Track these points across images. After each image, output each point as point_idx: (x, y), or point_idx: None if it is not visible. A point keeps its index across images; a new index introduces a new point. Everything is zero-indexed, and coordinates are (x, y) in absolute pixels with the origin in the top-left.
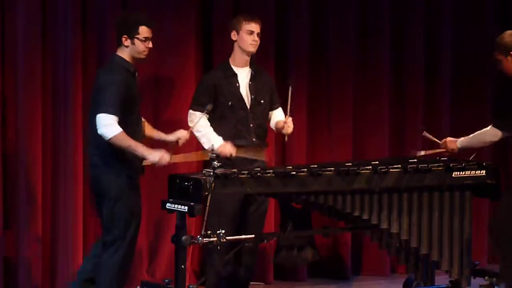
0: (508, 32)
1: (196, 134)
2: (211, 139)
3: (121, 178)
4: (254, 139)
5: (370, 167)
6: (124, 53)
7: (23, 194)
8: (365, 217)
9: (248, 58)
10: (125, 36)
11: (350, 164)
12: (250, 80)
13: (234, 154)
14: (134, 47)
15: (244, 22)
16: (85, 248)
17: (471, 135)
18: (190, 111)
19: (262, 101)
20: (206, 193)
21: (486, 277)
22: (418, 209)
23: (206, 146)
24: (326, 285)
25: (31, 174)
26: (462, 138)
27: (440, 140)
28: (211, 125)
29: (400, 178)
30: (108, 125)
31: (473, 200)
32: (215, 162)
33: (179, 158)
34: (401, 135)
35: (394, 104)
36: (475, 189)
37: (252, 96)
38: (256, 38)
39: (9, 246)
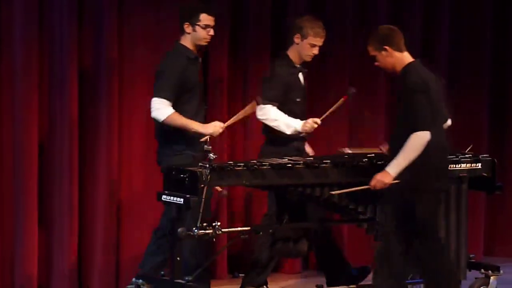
0: (383, 26)
1: (272, 124)
2: (290, 123)
3: (188, 159)
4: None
5: (367, 159)
6: (186, 40)
7: (19, 185)
8: (361, 209)
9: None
10: (187, 23)
11: (347, 156)
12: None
13: (319, 122)
14: (196, 34)
15: (311, 36)
16: (80, 234)
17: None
18: (261, 105)
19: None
20: (202, 185)
21: (482, 270)
22: None
23: (288, 132)
24: (321, 277)
25: (27, 165)
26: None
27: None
28: None
29: None
30: (159, 108)
31: (468, 193)
32: (211, 154)
33: (230, 121)
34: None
35: (391, 96)
36: (470, 182)
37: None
38: (316, 53)
39: (5, 238)
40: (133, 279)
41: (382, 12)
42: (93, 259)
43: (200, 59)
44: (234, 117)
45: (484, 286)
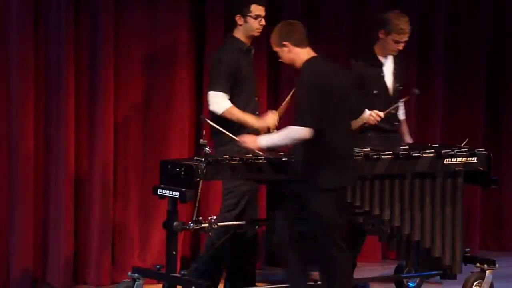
0: (283, 22)
1: None
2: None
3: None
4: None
5: (362, 154)
6: (239, 33)
7: (15, 183)
8: (357, 203)
9: None
10: (238, 15)
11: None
12: (395, 69)
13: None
14: (247, 25)
15: (395, 33)
16: (76, 228)
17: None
18: None
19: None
20: (198, 179)
21: (477, 264)
22: (409, 196)
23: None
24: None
25: (23, 160)
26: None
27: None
28: None
29: (391, 164)
30: (216, 102)
31: (464, 187)
32: (206, 148)
33: (281, 110)
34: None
35: None
36: (466, 176)
37: (397, 84)
38: (401, 48)
39: (1, 232)
40: (129, 273)
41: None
42: (89, 253)
43: (253, 50)
44: (283, 104)
45: (479, 280)
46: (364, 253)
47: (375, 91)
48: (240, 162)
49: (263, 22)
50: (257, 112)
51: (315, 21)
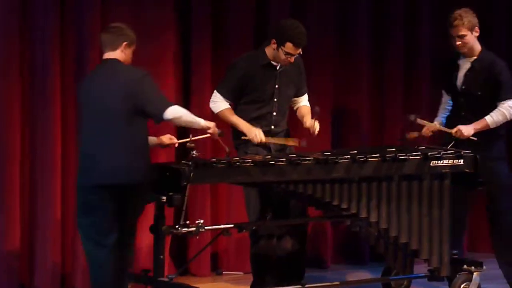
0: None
1: None
2: None
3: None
4: None
5: (349, 156)
6: (269, 50)
7: (1, 187)
8: (344, 206)
9: None
10: (274, 40)
11: (329, 153)
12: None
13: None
14: (277, 53)
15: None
16: (63, 232)
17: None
18: None
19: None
20: (185, 183)
21: (465, 266)
22: (397, 198)
23: None
24: (306, 274)
25: (9, 163)
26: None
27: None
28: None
29: (378, 167)
30: (215, 101)
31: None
32: (193, 152)
33: (272, 139)
34: (381, 122)
35: (373, 92)
36: (453, 178)
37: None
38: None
39: None
40: None
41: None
42: (76, 257)
43: (278, 68)
44: (275, 139)
45: (467, 282)
46: (351, 256)
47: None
48: (228, 165)
49: (291, 60)
50: (272, 127)
51: (301, 12)
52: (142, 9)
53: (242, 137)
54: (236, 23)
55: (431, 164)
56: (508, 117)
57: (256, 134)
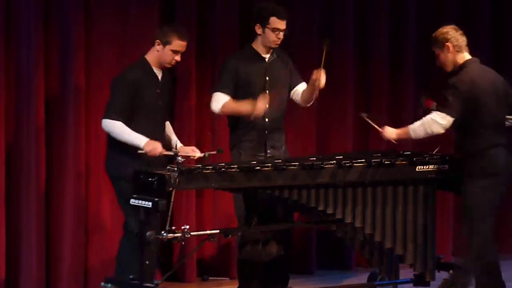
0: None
1: None
2: None
3: None
4: None
5: (334, 161)
6: (256, 43)
7: None
8: (329, 211)
9: None
10: (257, 25)
11: (315, 158)
12: None
13: None
14: (265, 36)
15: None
16: (48, 238)
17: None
18: None
19: None
20: (171, 189)
21: (451, 271)
22: (382, 203)
23: None
24: (291, 279)
25: None
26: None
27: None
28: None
29: (364, 172)
30: (213, 101)
31: (437, 194)
32: (179, 158)
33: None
34: (365, 127)
35: (358, 97)
36: (438, 182)
37: None
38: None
39: None
40: (102, 283)
41: (348, 16)
42: (61, 263)
43: (267, 60)
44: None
45: (453, 287)
46: (337, 261)
47: None
48: (213, 170)
49: (281, 35)
50: (266, 120)
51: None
52: (126, 16)
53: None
54: (221, 26)
55: (416, 169)
56: (427, 127)
57: (261, 103)
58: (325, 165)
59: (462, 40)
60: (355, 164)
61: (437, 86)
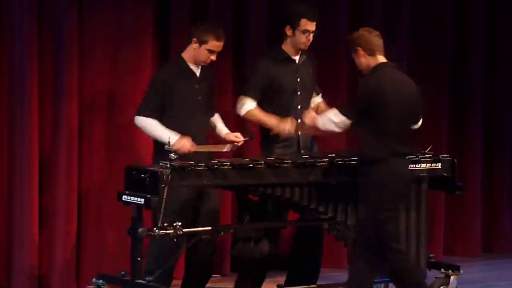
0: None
1: None
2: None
3: None
4: None
5: (327, 159)
6: (286, 44)
7: None
8: (321, 209)
9: None
10: (288, 26)
11: (307, 156)
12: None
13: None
14: (295, 37)
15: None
16: (40, 234)
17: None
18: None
19: None
20: (163, 185)
21: (442, 270)
22: None
23: None
24: (283, 277)
25: None
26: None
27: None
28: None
29: (355, 170)
30: (239, 104)
31: (428, 193)
32: (171, 154)
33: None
34: None
35: (350, 95)
36: (430, 182)
37: None
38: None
39: None
40: (93, 279)
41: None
42: (53, 259)
43: (297, 62)
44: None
45: (444, 286)
46: (329, 259)
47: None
48: (206, 168)
49: (311, 37)
50: (299, 121)
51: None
52: (120, 14)
53: (270, 134)
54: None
55: (408, 168)
56: (326, 123)
57: (290, 124)
58: (318, 163)
59: (376, 43)
60: (347, 162)
61: (427, 83)
